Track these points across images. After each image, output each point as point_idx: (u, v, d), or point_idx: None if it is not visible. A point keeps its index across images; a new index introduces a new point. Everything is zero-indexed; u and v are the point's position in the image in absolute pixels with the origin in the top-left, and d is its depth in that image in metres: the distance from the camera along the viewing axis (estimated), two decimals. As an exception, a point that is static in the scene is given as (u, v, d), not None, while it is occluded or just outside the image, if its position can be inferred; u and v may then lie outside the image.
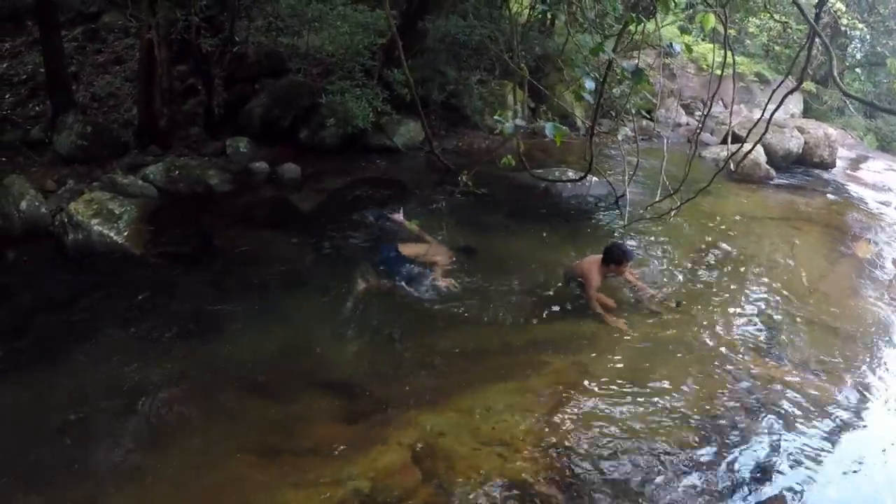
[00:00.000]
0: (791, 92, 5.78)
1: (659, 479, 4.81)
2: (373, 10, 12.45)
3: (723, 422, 5.51)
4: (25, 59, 13.12)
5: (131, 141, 10.81)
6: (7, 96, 12.25)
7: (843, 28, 19.43)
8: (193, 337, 6.55)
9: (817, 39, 5.70)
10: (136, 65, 11.39)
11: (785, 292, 7.86)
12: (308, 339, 6.50)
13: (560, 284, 7.64)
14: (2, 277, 7.75)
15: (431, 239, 7.98)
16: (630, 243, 8.59)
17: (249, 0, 12.55)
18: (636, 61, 5.58)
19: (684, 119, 16.61)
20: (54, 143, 10.46)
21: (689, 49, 4.84)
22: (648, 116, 14.68)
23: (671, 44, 4.75)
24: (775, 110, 5.77)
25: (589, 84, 4.55)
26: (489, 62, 13.78)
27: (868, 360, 6.69)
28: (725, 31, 6.39)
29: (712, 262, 8.54)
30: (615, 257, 7.13)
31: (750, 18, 18.21)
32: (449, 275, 7.65)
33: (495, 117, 5.60)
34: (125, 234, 8.20)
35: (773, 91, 7.36)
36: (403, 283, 7.47)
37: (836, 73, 5.24)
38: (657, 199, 7.87)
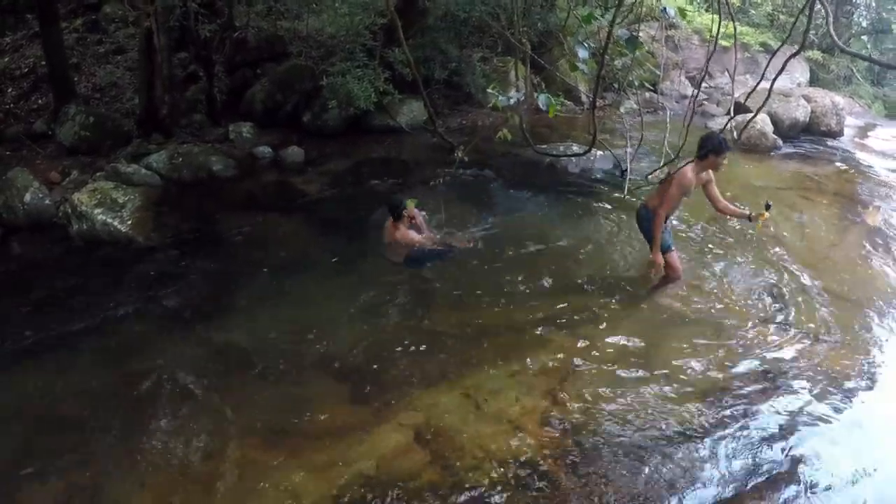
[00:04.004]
0: (792, 56, 5.70)
1: (666, 456, 4.79)
2: (372, -11, 12.38)
3: (732, 395, 5.48)
4: (26, 52, 13.08)
5: (134, 130, 10.80)
6: (9, 90, 12.23)
7: (847, -5, 19.25)
8: (199, 322, 6.57)
9: (818, 4, 5.62)
10: (136, 54, 11.34)
11: (794, 261, 7.81)
12: (313, 322, 6.49)
13: (567, 264, 7.62)
14: (9, 269, 7.76)
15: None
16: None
17: (248, -16, 12.53)
18: (632, 31, 5.50)
19: (689, 91, 16.47)
20: (57, 135, 10.47)
21: (682, 14, 4.76)
22: (652, 89, 14.57)
23: (665, 8, 4.68)
24: (776, 77, 5.70)
25: (582, 53, 4.45)
26: (491, 39, 13.74)
27: (879, 327, 6.63)
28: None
29: (720, 233, 8.48)
30: (713, 146, 6.31)
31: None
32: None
33: (489, 90, 5.54)
34: (129, 222, 8.21)
35: (772, 57, 7.25)
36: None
37: (832, 31, 5.14)
38: (655, 169, 7.87)
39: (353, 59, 11.31)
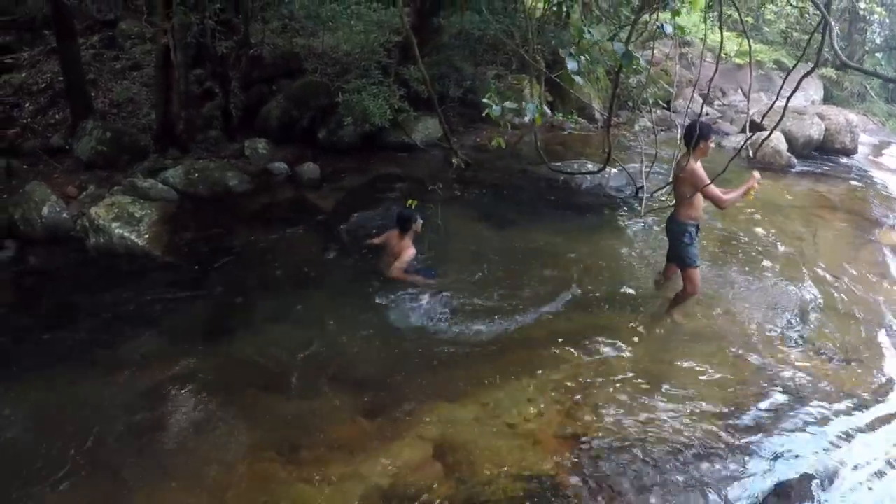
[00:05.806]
0: (807, 75, 5.69)
1: (679, 471, 4.78)
2: (387, 7, 12.48)
3: (746, 413, 5.48)
4: (44, 67, 13.20)
5: (150, 145, 10.86)
6: (27, 105, 12.34)
7: (860, 12, 19.26)
8: (214, 335, 6.59)
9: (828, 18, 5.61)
10: (153, 70, 11.43)
11: (808, 280, 7.80)
12: (327, 337, 6.50)
13: (578, 276, 7.63)
14: (26, 280, 7.81)
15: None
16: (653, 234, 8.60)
17: (264, 2, 12.60)
18: (646, 47, 5.51)
19: (704, 109, 16.49)
20: (74, 150, 10.55)
21: (682, 31, 4.79)
22: (666, 106, 14.58)
23: (662, 25, 4.70)
24: (791, 95, 5.70)
25: (571, 65, 4.43)
26: (505, 57, 13.79)
27: (894, 347, 6.60)
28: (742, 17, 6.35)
29: (735, 251, 8.48)
30: (702, 133, 6.25)
31: (767, 5, 18.08)
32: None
33: (483, 100, 5.44)
34: (146, 236, 8.27)
35: (787, 75, 7.25)
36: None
37: (836, 45, 5.15)
38: (660, 187, 7.88)
39: (369, 77, 11.38)
